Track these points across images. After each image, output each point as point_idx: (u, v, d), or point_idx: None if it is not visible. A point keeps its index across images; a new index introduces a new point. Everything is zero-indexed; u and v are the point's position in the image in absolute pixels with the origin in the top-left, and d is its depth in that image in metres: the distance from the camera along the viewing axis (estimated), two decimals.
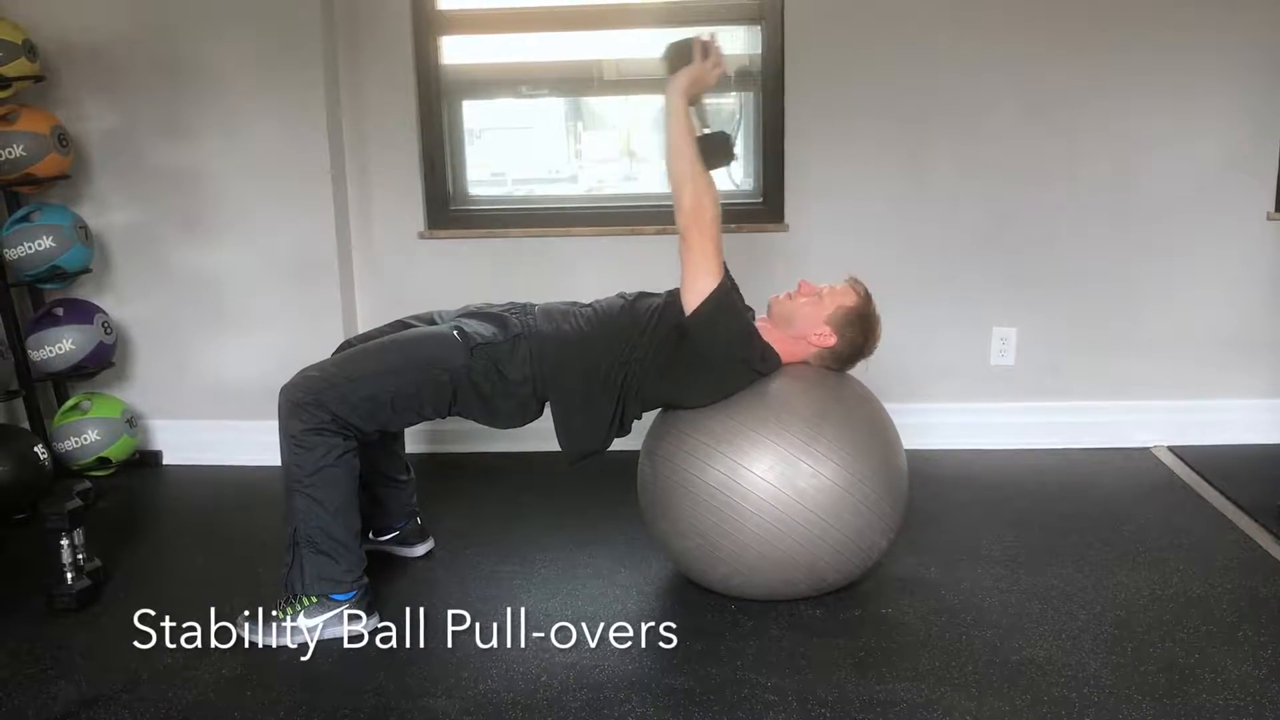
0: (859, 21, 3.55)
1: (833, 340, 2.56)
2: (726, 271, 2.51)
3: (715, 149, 2.53)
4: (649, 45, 3.86)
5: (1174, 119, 3.56)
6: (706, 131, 2.54)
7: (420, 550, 2.96)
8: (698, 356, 2.47)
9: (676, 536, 2.55)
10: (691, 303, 2.44)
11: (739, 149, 3.83)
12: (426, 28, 3.69)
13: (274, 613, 2.48)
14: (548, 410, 2.61)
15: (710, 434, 2.46)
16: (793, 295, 2.60)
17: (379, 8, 3.64)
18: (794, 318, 2.56)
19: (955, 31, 3.54)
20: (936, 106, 3.60)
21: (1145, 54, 3.51)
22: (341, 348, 2.71)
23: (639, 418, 2.64)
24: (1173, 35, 3.50)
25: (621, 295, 2.68)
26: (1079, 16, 3.50)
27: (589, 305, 2.66)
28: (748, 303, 2.73)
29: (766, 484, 2.39)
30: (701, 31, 2.51)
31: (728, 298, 2.47)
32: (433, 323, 2.67)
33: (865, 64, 3.58)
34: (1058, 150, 3.59)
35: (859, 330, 2.57)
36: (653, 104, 4.01)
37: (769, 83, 3.65)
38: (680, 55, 2.48)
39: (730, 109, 3.92)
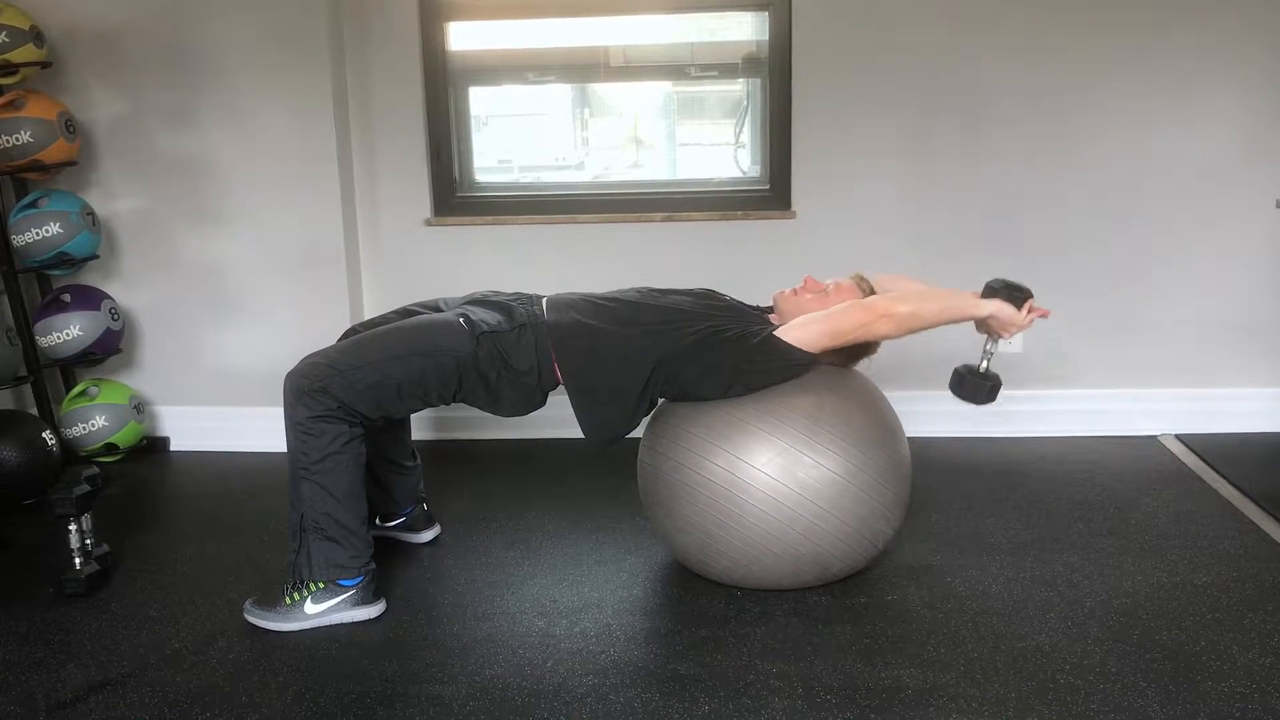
0: (867, 8, 3.54)
1: None
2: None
3: (985, 389, 2.55)
4: (656, 32, 3.86)
5: (1182, 106, 3.54)
6: (985, 368, 2.55)
7: (427, 536, 2.97)
8: (738, 354, 2.46)
9: (678, 532, 2.55)
10: (793, 335, 2.45)
11: (746, 136, 3.85)
12: (433, 14, 3.68)
13: (282, 598, 2.49)
14: (552, 398, 2.61)
15: (708, 429, 2.46)
16: (798, 291, 2.60)
17: None
18: (799, 314, 2.55)
19: (963, 19, 3.52)
20: (944, 94, 3.58)
21: (1153, 40, 3.50)
22: (347, 334, 2.71)
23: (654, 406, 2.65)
24: (1180, 22, 3.48)
25: (638, 290, 2.67)
26: (1086, 4, 3.48)
27: (601, 297, 2.64)
28: (754, 300, 2.74)
29: (767, 477, 2.39)
30: (1036, 301, 2.50)
31: (805, 366, 2.48)
32: (438, 310, 2.67)
33: (873, 51, 3.57)
34: (1065, 138, 3.58)
35: None
36: (659, 90, 4.00)
37: (776, 69, 3.64)
38: (1009, 294, 2.48)
39: (737, 96, 3.91)
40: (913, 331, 2.46)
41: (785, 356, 2.45)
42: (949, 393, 3.79)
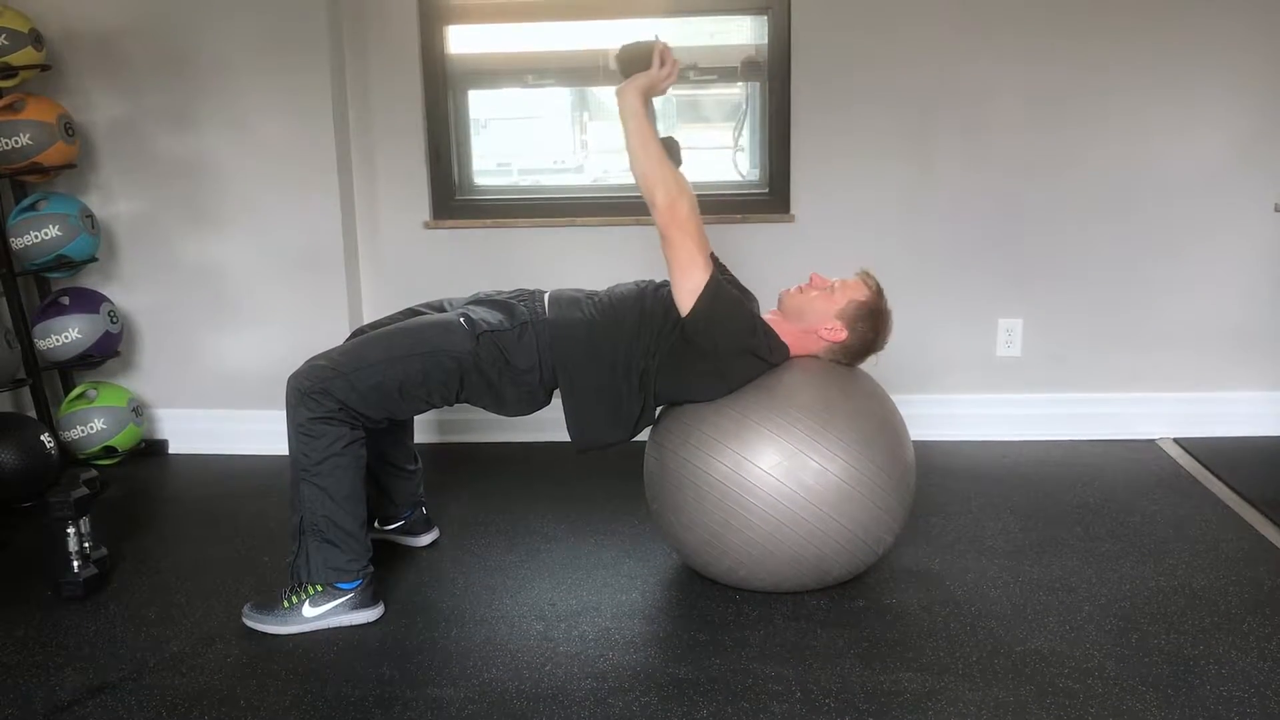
0: (865, 12, 3.54)
1: (843, 334, 2.54)
2: (715, 260, 2.49)
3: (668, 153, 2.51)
4: (655, 35, 3.85)
5: (1180, 110, 3.55)
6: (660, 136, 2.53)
7: (426, 540, 2.97)
8: (702, 352, 2.46)
9: (682, 529, 2.55)
10: (686, 303, 2.42)
11: (745, 140, 3.86)
12: (432, 17, 3.69)
13: (280, 601, 2.49)
14: (556, 399, 2.61)
15: (717, 428, 2.46)
16: (804, 288, 2.58)
17: None
18: (805, 311, 2.55)
19: (961, 23, 3.52)
20: (943, 97, 3.59)
21: (1152, 44, 3.50)
22: (353, 336, 2.71)
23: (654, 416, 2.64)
24: (1179, 26, 3.48)
25: (638, 283, 2.67)
26: (1084, 8, 3.48)
27: (602, 293, 2.64)
28: (756, 296, 2.70)
29: (773, 479, 2.38)
30: (655, 35, 2.50)
31: (721, 289, 2.44)
32: (442, 310, 2.67)
33: (872, 54, 3.57)
34: (1064, 141, 3.58)
35: (870, 325, 2.55)
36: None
37: (775, 73, 3.64)
38: (637, 60, 2.48)
39: (736, 100, 3.92)
40: (668, 166, 2.40)
41: (707, 313, 2.41)
42: (948, 395, 3.82)
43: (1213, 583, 2.63)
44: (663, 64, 2.47)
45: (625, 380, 2.51)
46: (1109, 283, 3.68)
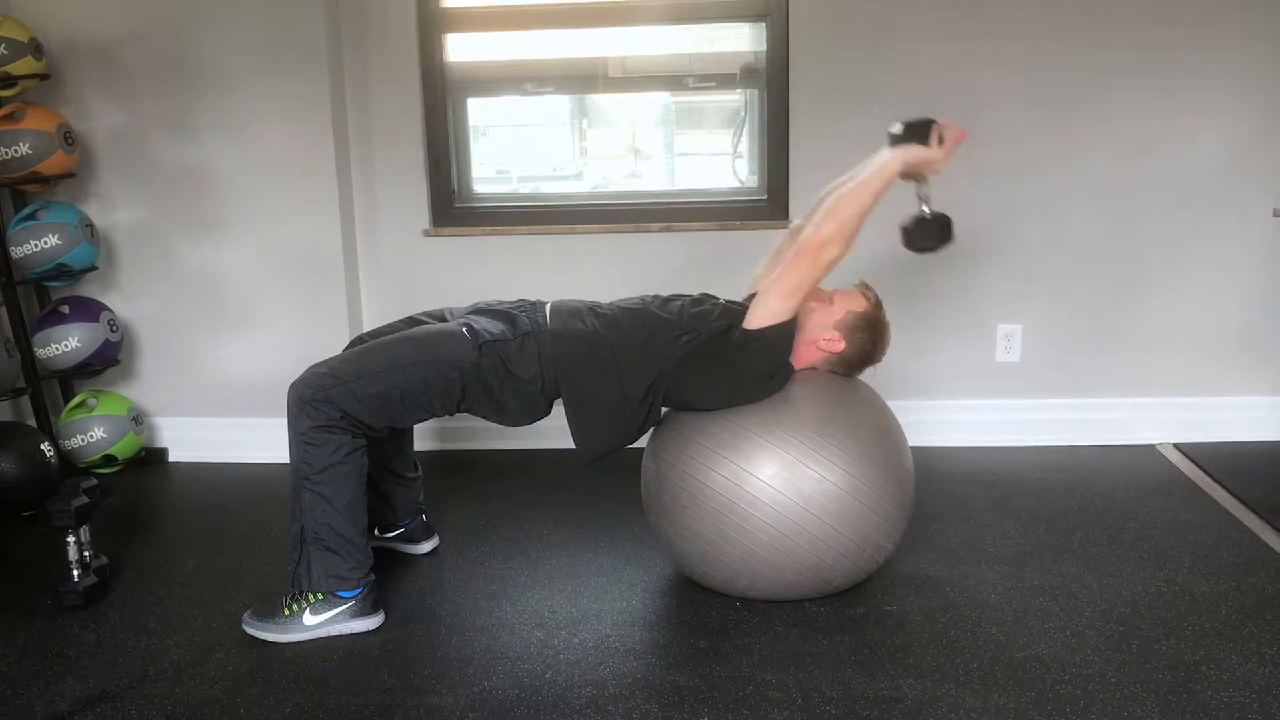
0: (863, 18, 3.55)
1: (841, 345, 2.55)
2: None
3: (935, 231, 2.53)
4: (654, 43, 3.87)
5: (1180, 116, 3.55)
6: (927, 212, 2.53)
7: (426, 547, 2.97)
8: (726, 362, 2.47)
9: (680, 541, 2.54)
10: (760, 319, 2.44)
11: (744, 147, 3.86)
12: (431, 25, 3.69)
13: (281, 609, 2.49)
14: (556, 408, 2.61)
15: (714, 438, 2.46)
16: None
17: (384, 5, 3.64)
18: (803, 322, 2.55)
19: (959, 28, 3.53)
20: (941, 103, 3.56)
21: (1150, 50, 3.51)
22: (353, 344, 2.71)
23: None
24: (1178, 32, 3.49)
25: (642, 298, 2.67)
26: (1083, 13, 3.49)
27: (605, 305, 2.64)
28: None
29: (771, 489, 2.38)
30: (939, 119, 2.49)
31: (789, 335, 2.48)
32: (443, 319, 2.67)
33: (869, 60, 3.57)
34: (1062, 147, 3.59)
35: (868, 336, 2.56)
36: (657, 101, 4.01)
37: (773, 80, 3.65)
38: (916, 134, 2.49)
39: (735, 106, 3.92)
40: (857, 230, 2.44)
41: (767, 341, 2.44)
42: (948, 401, 3.81)
43: (1213, 588, 2.63)
44: (940, 143, 2.48)
45: (630, 390, 2.51)
46: (1108, 288, 3.68)
